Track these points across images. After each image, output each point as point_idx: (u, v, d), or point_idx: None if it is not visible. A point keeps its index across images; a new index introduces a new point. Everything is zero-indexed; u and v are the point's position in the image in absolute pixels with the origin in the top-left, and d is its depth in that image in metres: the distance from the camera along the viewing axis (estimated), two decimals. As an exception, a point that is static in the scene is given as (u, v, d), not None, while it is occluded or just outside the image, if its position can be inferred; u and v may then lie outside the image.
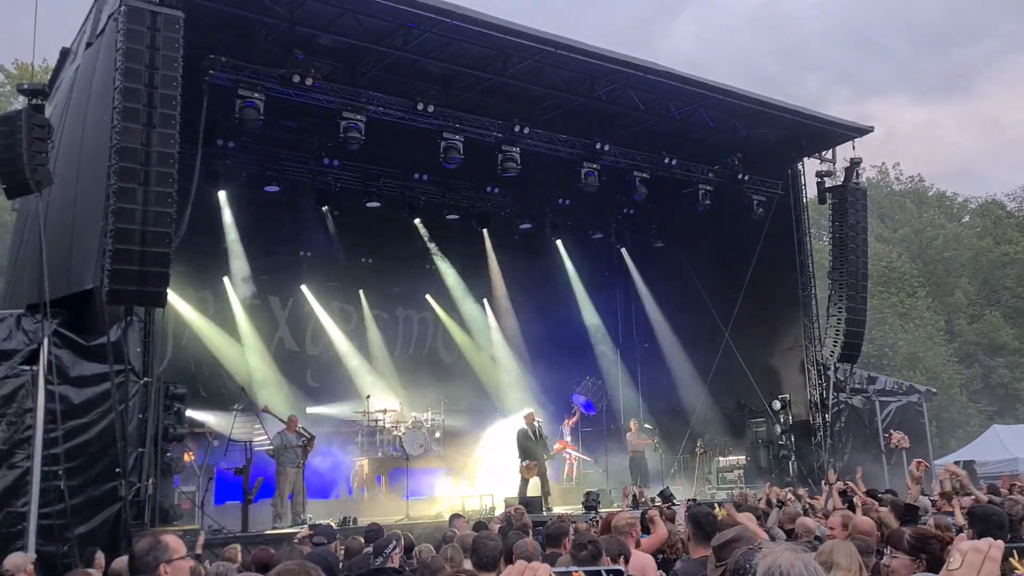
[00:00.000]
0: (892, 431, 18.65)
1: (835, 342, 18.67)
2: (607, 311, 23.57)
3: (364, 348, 20.41)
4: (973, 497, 9.51)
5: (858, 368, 20.32)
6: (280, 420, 15.05)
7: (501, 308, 22.07)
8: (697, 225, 20.32)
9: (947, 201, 53.93)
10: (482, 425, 20.10)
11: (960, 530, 6.57)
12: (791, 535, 7.97)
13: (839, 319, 18.63)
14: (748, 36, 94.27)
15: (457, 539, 7.58)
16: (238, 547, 8.82)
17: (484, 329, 22.20)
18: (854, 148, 19.32)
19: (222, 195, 17.60)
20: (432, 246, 21.07)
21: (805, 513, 9.77)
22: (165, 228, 11.13)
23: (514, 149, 16.47)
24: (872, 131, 19.47)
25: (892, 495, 10.77)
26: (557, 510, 14.85)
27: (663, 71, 16.39)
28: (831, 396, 19.26)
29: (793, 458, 19.13)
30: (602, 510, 13.38)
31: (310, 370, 19.90)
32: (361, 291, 20.57)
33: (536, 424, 16.77)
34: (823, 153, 19.64)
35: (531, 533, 7.69)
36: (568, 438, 20.15)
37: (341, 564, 7.71)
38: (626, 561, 5.59)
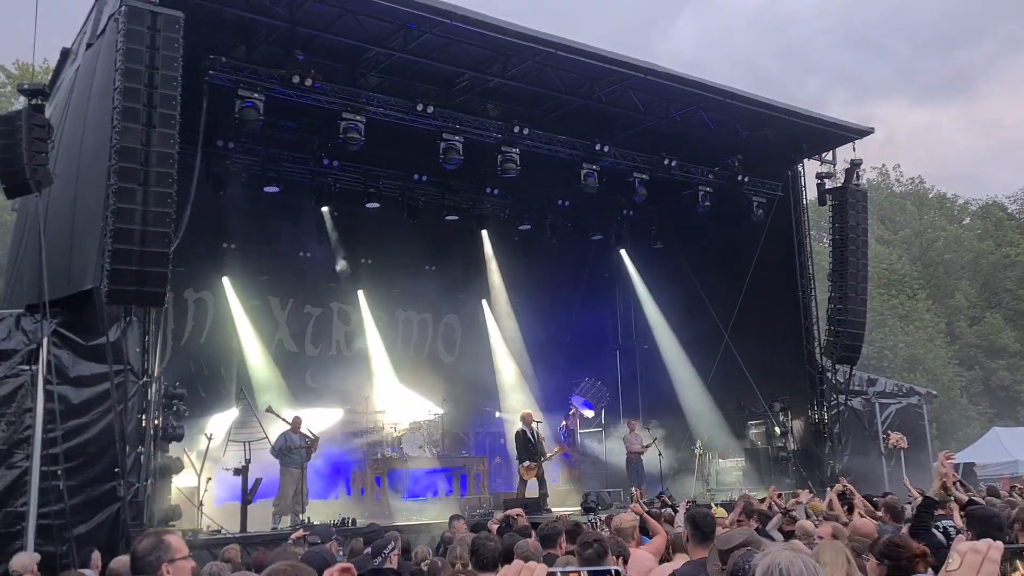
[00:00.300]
0: (890, 431, 18.63)
1: (835, 344, 18.65)
2: (606, 312, 23.59)
3: (363, 349, 20.42)
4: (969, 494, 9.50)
5: (858, 370, 20.29)
6: (284, 421, 15.06)
7: (500, 309, 22.08)
8: (697, 226, 20.34)
9: (948, 203, 53.94)
10: (481, 426, 20.10)
11: (959, 531, 6.57)
12: (789, 537, 7.95)
13: (839, 321, 18.61)
14: (748, 37, 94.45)
15: (456, 540, 7.58)
16: (237, 547, 8.83)
17: (483, 330, 22.20)
18: (854, 149, 19.34)
19: (222, 195, 17.59)
20: (431, 247, 21.08)
21: (807, 516, 9.75)
22: (165, 228, 11.13)
23: (514, 150, 16.47)
24: (872, 132, 19.47)
25: (892, 497, 10.77)
26: (556, 511, 14.84)
27: (663, 72, 16.40)
28: (831, 398, 19.25)
29: (792, 460, 19.12)
30: (601, 512, 13.40)
31: (309, 371, 19.90)
32: (360, 292, 20.57)
33: (535, 425, 16.77)
34: (823, 155, 19.65)
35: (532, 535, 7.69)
36: (567, 439, 20.15)
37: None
38: (624, 562, 5.60)
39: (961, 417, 38.84)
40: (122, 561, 6.75)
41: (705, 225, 20.01)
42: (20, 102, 12.65)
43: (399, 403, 19.14)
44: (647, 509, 9.51)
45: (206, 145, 13.85)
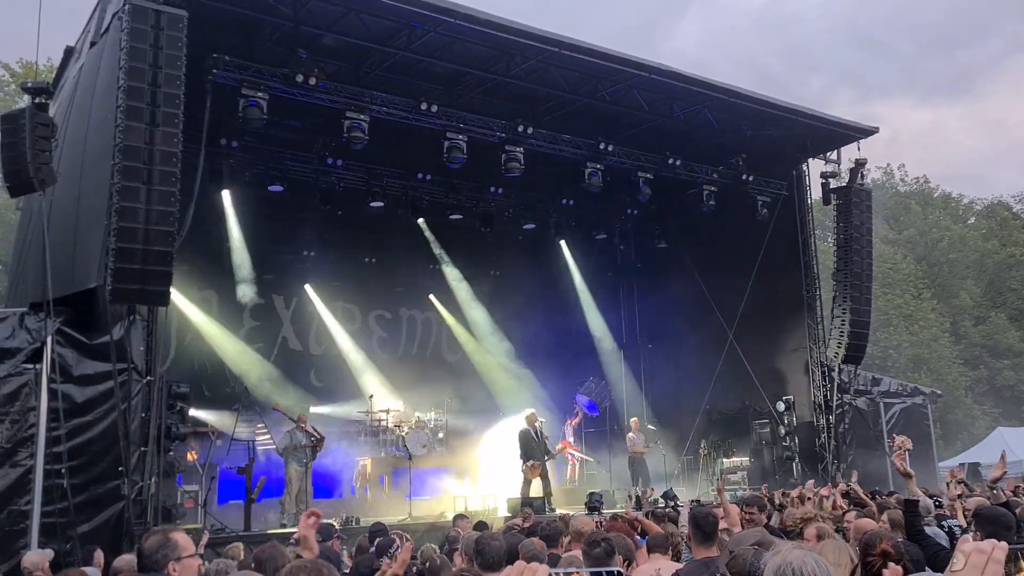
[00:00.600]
0: (895, 436, 18.59)
1: (839, 343, 18.62)
2: (610, 311, 23.56)
3: (368, 348, 20.43)
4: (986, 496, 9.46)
5: (862, 370, 20.27)
6: (290, 418, 15.07)
7: (504, 308, 22.05)
8: (701, 226, 20.31)
9: (952, 202, 53.84)
10: (485, 425, 20.09)
11: (964, 531, 6.55)
12: (789, 535, 7.93)
13: (843, 320, 18.58)
14: (752, 36, 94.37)
15: (461, 539, 7.58)
16: (240, 546, 8.82)
17: (487, 329, 22.19)
18: (859, 149, 19.32)
19: (225, 194, 17.60)
20: (436, 246, 21.07)
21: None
22: (168, 227, 11.13)
23: (518, 149, 16.47)
24: (877, 132, 19.43)
25: (897, 496, 10.74)
26: (560, 511, 14.82)
27: (667, 71, 16.36)
28: (835, 397, 19.22)
29: (797, 459, 19.10)
30: (606, 511, 13.37)
31: (314, 370, 19.92)
32: (365, 291, 20.56)
33: (538, 424, 16.75)
34: (828, 154, 19.63)
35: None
36: (571, 438, 20.11)
37: (345, 562, 7.72)
38: (628, 564, 5.58)
39: (966, 417, 38.79)
40: (125, 560, 6.76)
41: (709, 224, 19.97)
42: (24, 100, 12.65)
43: (403, 402, 19.13)
44: (650, 509, 9.52)
45: (210, 144, 13.87)
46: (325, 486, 16.95)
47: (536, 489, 16.10)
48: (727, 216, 19.43)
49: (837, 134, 19.24)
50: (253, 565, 4.94)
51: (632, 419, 19.92)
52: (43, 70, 23.89)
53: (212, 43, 13.39)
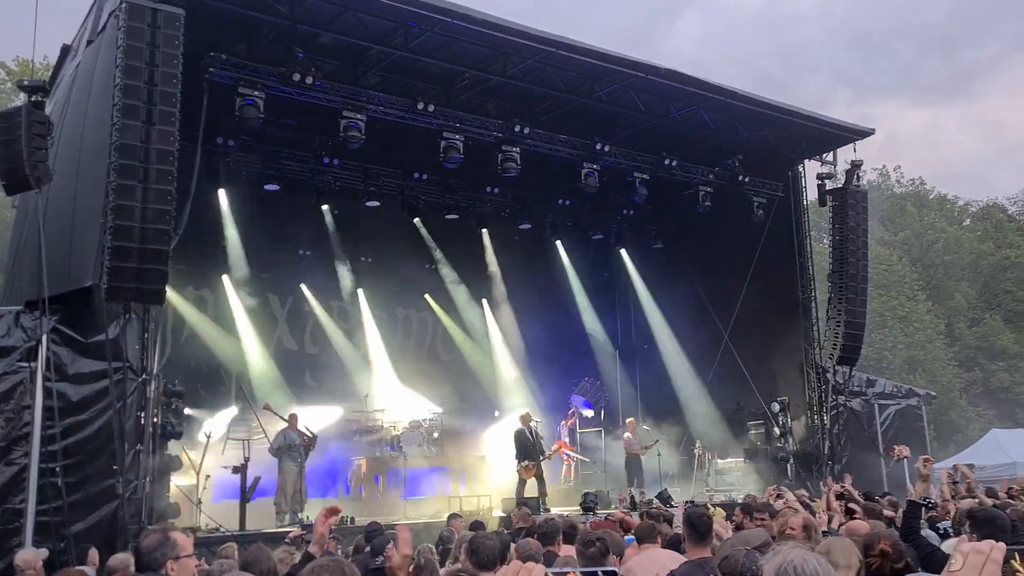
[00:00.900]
0: (895, 446, 18.60)
1: (834, 345, 18.66)
2: (606, 312, 23.58)
3: (363, 347, 20.40)
4: (977, 500, 9.50)
5: (857, 371, 20.29)
6: (281, 418, 15.05)
7: (500, 308, 22.06)
8: (697, 226, 20.32)
9: (948, 204, 53.89)
10: (480, 425, 20.08)
11: (958, 532, 6.56)
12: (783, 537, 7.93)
13: (839, 322, 18.61)
14: (750, 37, 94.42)
15: (456, 539, 7.57)
16: (235, 545, 8.80)
17: (483, 329, 22.19)
18: (855, 150, 19.35)
19: (222, 193, 17.57)
20: (431, 246, 21.06)
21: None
22: (164, 226, 11.12)
23: (514, 149, 16.48)
24: (873, 134, 19.48)
25: (890, 498, 10.76)
26: (555, 511, 14.82)
27: (664, 72, 16.37)
28: (830, 399, 19.24)
29: (791, 461, 19.11)
30: (600, 512, 13.38)
31: (309, 369, 19.89)
32: (360, 290, 20.54)
33: (533, 425, 16.76)
34: (824, 155, 19.67)
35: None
36: (566, 439, 20.14)
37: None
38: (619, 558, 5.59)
39: (960, 419, 38.81)
40: (120, 559, 6.74)
41: (705, 225, 19.99)
42: (20, 98, 12.63)
43: (398, 402, 19.12)
44: (645, 510, 9.52)
45: (206, 142, 13.84)
46: (320, 486, 16.92)
47: (531, 489, 16.10)
48: (723, 217, 19.45)
49: (833, 135, 19.28)
50: (239, 567, 4.94)
51: (628, 420, 19.92)
52: (40, 68, 23.82)
53: (209, 41, 13.38)
